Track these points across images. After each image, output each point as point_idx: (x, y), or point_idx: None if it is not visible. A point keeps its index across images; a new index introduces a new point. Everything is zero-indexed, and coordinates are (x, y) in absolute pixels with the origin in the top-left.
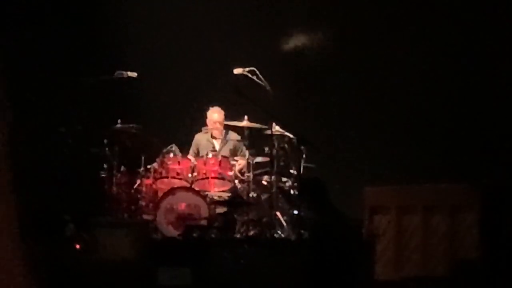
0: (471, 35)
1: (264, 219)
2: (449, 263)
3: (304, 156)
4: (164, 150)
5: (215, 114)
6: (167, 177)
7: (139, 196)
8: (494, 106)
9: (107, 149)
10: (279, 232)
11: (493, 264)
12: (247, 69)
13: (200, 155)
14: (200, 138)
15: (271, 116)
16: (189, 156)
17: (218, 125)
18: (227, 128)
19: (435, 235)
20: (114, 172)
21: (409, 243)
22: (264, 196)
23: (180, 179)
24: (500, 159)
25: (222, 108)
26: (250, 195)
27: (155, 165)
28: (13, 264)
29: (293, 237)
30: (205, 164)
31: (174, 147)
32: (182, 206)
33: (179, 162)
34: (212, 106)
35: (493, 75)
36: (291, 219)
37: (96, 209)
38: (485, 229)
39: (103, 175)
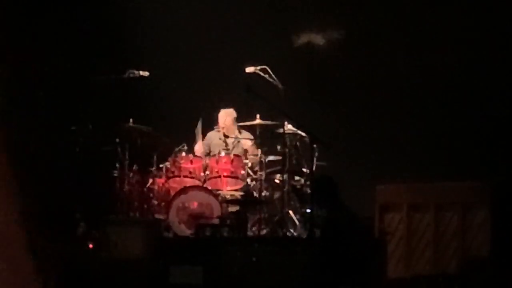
0: (480, 33)
1: (276, 218)
2: (461, 261)
3: (316, 154)
4: (176, 149)
5: (226, 118)
6: (179, 176)
7: (151, 195)
8: (505, 105)
9: (119, 148)
10: (291, 230)
11: (504, 261)
12: (259, 67)
13: (212, 153)
14: (212, 137)
15: (283, 114)
16: (201, 154)
17: (228, 126)
18: (241, 128)
19: (446, 233)
20: (127, 171)
21: (420, 241)
22: (276, 195)
23: (193, 178)
24: (511, 157)
25: (234, 107)
26: (263, 193)
27: (168, 164)
28: (25, 262)
29: (305, 236)
30: (217, 162)
31: (185, 147)
32: (194, 205)
33: (191, 161)
34: (224, 108)
35: (503, 74)
36: (303, 218)
37: (108, 208)
38: (496, 226)
39: (115, 174)
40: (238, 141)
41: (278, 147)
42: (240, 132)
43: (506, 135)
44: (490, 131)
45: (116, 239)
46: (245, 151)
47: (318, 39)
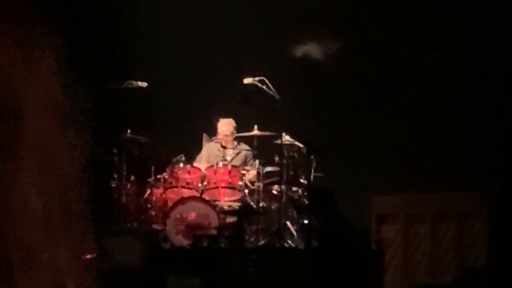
0: (484, 44)
1: (274, 229)
2: (458, 271)
3: (313, 165)
4: (174, 160)
5: (224, 127)
6: (177, 187)
7: (148, 205)
8: (502, 115)
9: (116, 158)
10: (288, 241)
11: (502, 272)
12: (257, 78)
13: (211, 164)
14: (210, 148)
15: (280, 125)
16: (199, 165)
17: (227, 137)
18: (239, 139)
19: (443, 244)
20: (124, 181)
21: (417, 252)
22: (274, 206)
23: (190, 188)
24: (508, 167)
25: (232, 118)
26: (260, 204)
27: (165, 174)
28: None
29: (302, 246)
30: (215, 173)
31: (183, 158)
32: (192, 216)
33: (189, 172)
34: (223, 118)
35: (501, 84)
36: (300, 228)
37: (106, 218)
38: (493, 237)
39: (113, 185)
40: (238, 153)
41: (276, 158)
42: (238, 143)
43: (503, 145)
44: (488, 141)
45: (113, 250)
46: (244, 162)
47: (316, 50)
